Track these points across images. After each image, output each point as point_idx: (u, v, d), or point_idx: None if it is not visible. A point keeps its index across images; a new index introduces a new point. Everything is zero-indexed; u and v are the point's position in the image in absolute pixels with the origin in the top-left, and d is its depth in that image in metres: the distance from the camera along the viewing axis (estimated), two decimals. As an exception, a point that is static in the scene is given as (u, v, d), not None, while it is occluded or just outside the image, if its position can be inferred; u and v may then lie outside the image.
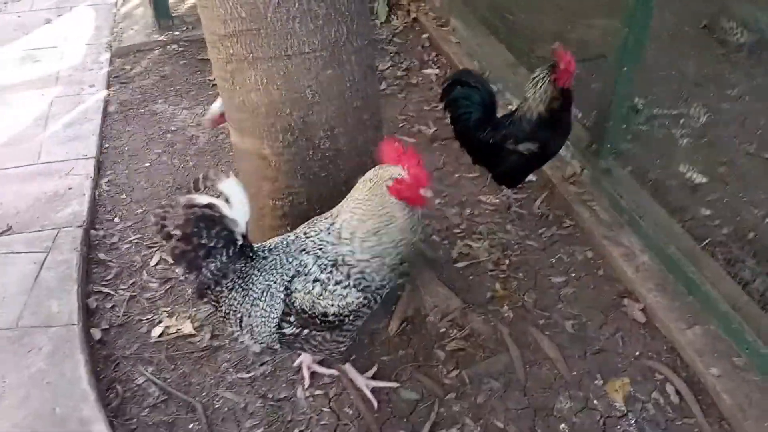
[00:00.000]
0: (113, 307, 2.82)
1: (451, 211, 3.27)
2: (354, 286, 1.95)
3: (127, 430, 2.35)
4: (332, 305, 1.97)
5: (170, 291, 2.89)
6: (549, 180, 3.36)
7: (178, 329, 2.71)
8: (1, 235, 3.04)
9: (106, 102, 4.15)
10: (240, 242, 1.98)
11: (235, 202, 1.97)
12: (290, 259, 2.03)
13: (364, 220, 1.92)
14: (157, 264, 3.02)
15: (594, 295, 2.84)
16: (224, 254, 1.97)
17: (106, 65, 4.54)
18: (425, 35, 4.79)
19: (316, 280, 1.96)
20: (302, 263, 2.00)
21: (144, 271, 2.99)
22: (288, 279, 2.00)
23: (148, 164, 3.66)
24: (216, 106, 3.03)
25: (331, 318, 1.99)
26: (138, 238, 3.17)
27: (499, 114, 3.12)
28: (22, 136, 3.78)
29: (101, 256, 3.06)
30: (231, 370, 2.56)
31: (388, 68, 4.49)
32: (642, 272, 2.81)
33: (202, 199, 1.96)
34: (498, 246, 3.07)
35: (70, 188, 3.36)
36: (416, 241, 2.05)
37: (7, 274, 2.80)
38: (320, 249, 1.99)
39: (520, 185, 3.33)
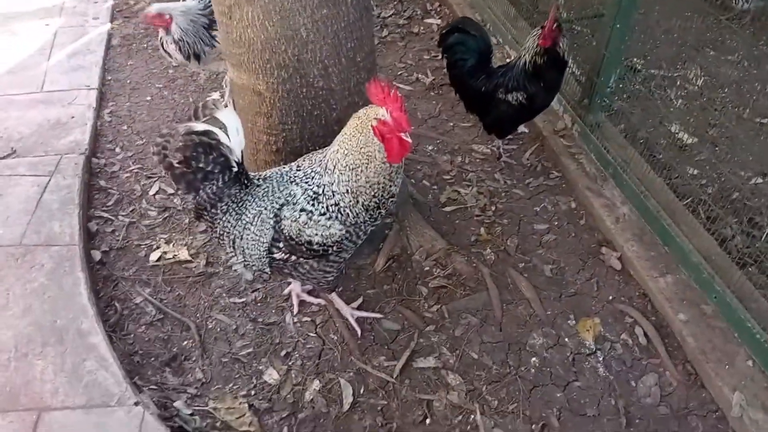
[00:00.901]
0: (113, 231, 2.94)
1: (442, 158, 3.36)
2: (336, 218, 2.06)
3: (124, 344, 2.50)
4: (316, 234, 2.08)
5: (168, 219, 3.01)
6: (540, 132, 3.45)
7: (175, 255, 2.84)
8: (6, 157, 3.14)
9: (110, 35, 4.19)
10: (235, 169, 2.09)
11: (231, 130, 2.07)
12: (281, 188, 2.13)
13: (346, 154, 2.01)
14: (156, 193, 3.13)
15: (574, 242, 2.96)
16: (220, 179, 2.08)
17: (111, -5, 4.56)
18: (429, -16, 4.79)
19: (302, 210, 2.07)
20: (292, 193, 2.10)
21: (143, 200, 3.10)
22: (278, 207, 2.11)
23: (149, 98, 3.73)
24: (158, 5, 3.02)
25: (315, 247, 2.11)
26: (138, 168, 3.27)
27: (495, 65, 3.19)
28: (27, 65, 3.84)
29: (102, 183, 3.17)
30: (224, 295, 2.70)
31: (390, 16, 4.51)
32: (621, 223, 2.93)
33: (200, 126, 2.05)
34: (485, 193, 3.18)
35: (72, 117, 3.44)
36: (393, 190, 2.12)
37: (11, 195, 2.91)
38: (308, 180, 2.10)
39: (510, 136, 3.42)
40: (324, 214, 2.06)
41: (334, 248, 2.14)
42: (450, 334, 2.58)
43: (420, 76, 3.95)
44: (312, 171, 2.11)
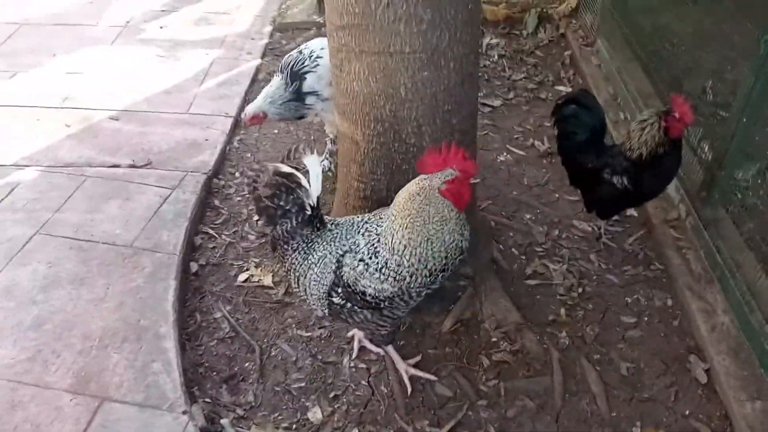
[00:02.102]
0: (214, 247, 3.20)
1: (538, 229, 3.29)
2: (388, 278, 2.11)
3: (194, 353, 2.70)
4: (369, 287, 2.14)
5: (263, 245, 3.21)
6: (649, 218, 3.26)
7: (260, 279, 3.02)
8: (143, 167, 3.55)
9: (257, 70, 4.59)
10: (308, 212, 2.22)
11: (312, 176, 2.21)
12: (348, 237, 2.22)
13: (419, 231, 2.06)
14: (258, 220, 3.36)
15: (661, 343, 2.75)
16: (295, 218, 2.23)
17: (266, 37, 5.00)
18: (568, 52, 4.74)
19: (361, 260, 2.14)
20: (356, 242, 2.19)
21: (246, 223, 3.35)
22: (341, 253, 2.20)
23: (276, 131, 4.02)
24: (251, 108, 3.24)
25: (368, 298, 2.16)
26: (250, 194, 3.54)
27: (608, 142, 3.08)
28: (181, 87, 4.32)
29: (216, 202, 3.47)
30: (294, 325, 2.83)
31: (520, 79, 4.52)
32: (717, 333, 2.68)
33: (286, 168, 2.22)
34: (575, 273, 3.05)
35: (206, 139, 3.81)
36: (463, 245, 2.14)
37: (137, 201, 3.28)
38: (372, 238, 2.17)
39: (617, 217, 3.27)
40: (379, 270, 2.11)
41: (386, 303, 2.18)
42: (501, 413, 2.49)
43: (536, 142, 3.90)
44: (376, 228, 2.18)
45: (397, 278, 2.10)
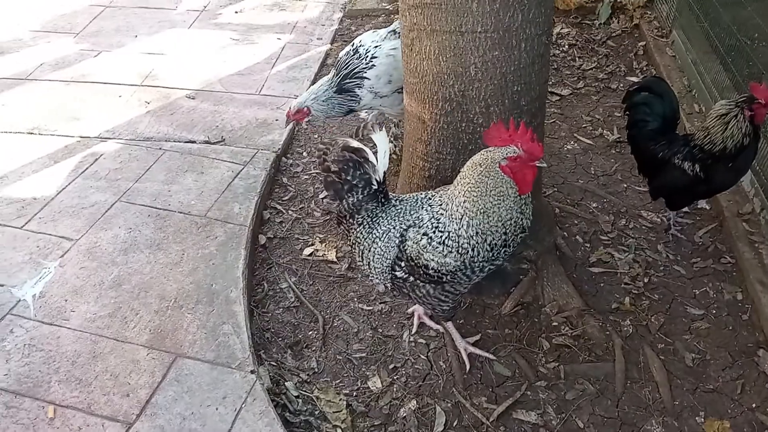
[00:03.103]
0: (281, 222, 3.31)
1: (604, 218, 3.24)
2: (451, 251, 2.14)
3: (261, 320, 2.81)
4: (432, 260, 2.17)
5: (328, 222, 3.30)
6: (721, 211, 3.16)
7: (324, 254, 3.11)
8: (216, 143, 3.70)
9: (326, 55, 4.68)
10: (375, 186, 2.27)
11: (380, 152, 2.26)
12: (412, 212, 2.27)
13: (475, 201, 2.08)
14: (324, 197, 3.45)
15: (728, 336, 2.68)
16: (361, 192, 2.28)
17: (336, 23, 5.10)
18: (642, 43, 4.63)
19: (425, 234, 2.18)
20: (420, 217, 2.23)
21: (312, 201, 3.44)
22: (405, 228, 2.25)
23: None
24: (295, 103, 3.23)
25: (431, 272, 2.20)
26: (316, 173, 3.63)
27: (680, 132, 3.01)
28: (253, 70, 4.46)
29: (284, 180, 3.58)
30: (355, 299, 2.90)
31: (591, 68, 4.44)
32: (790, 328, 2.59)
33: (355, 143, 2.28)
34: (642, 263, 3.00)
35: (276, 119, 3.93)
36: (524, 224, 2.15)
37: (210, 175, 3.42)
38: (435, 211, 2.20)
39: (687, 209, 3.20)
40: (442, 243, 2.15)
41: (449, 277, 2.21)
42: (560, 395, 2.49)
43: (605, 132, 3.84)
44: (440, 202, 2.22)
45: (459, 251, 2.13)
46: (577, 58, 4.57)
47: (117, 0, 5.40)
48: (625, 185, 3.47)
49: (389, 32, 3.31)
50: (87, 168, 3.48)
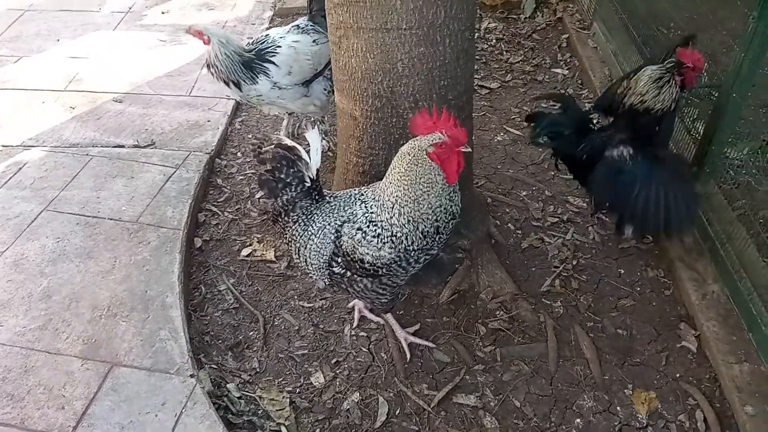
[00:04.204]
0: (217, 224, 3.28)
1: (534, 205, 3.36)
2: (385, 243, 2.19)
3: (200, 323, 2.78)
4: (368, 254, 2.21)
5: (265, 222, 3.28)
6: (642, 194, 3.33)
7: (263, 254, 3.10)
8: (146, 147, 3.63)
9: (258, 53, 4.65)
10: (308, 184, 2.29)
11: (312, 150, 2.28)
12: (346, 208, 2.30)
13: (406, 189, 2.14)
14: (261, 197, 3.44)
15: (652, 312, 2.83)
16: (295, 190, 2.30)
17: (267, 22, 5.07)
18: (565, 36, 4.80)
19: (359, 229, 2.22)
20: (354, 213, 2.26)
21: (249, 201, 3.43)
22: (340, 224, 2.28)
23: (276, 113, 4.09)
24: (208, 27, 3.21)
25: (367, 266, 2.24)
26: (252, 173, 3.61)
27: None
28: (183, 71, 4.39)
29: (219, 181, 3.55)
30: (296, 297, 2.91)
31: (518, 62, 4.58)
32: (707, 300, 2.76)
33: (288, 141, 2.30)
34: (570, 246, 3.13)
35: (208, 121, 3.89)
36: (454, 210, 2.22)
37: (141, 179, 3.36)
38: (368, 205, 2.24)
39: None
40: (377, 236, 2.19)
41: (384, 270, 2.25)
42: (497, 377, 2.58)
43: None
44: (372, 197, 2.26)
45: (393, 241, 2.18)
46: (504, 52, 4.70)
47: (37, 3, 5.21)
48: (553, 173, 3.59)
49: (292, 26, 3.41)
50: (10, 178, 3.35)
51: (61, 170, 3.41)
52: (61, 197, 3.22)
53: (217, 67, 3.20)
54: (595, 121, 3.11)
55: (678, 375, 2.57)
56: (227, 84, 3.26)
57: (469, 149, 2.14)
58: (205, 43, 3.20)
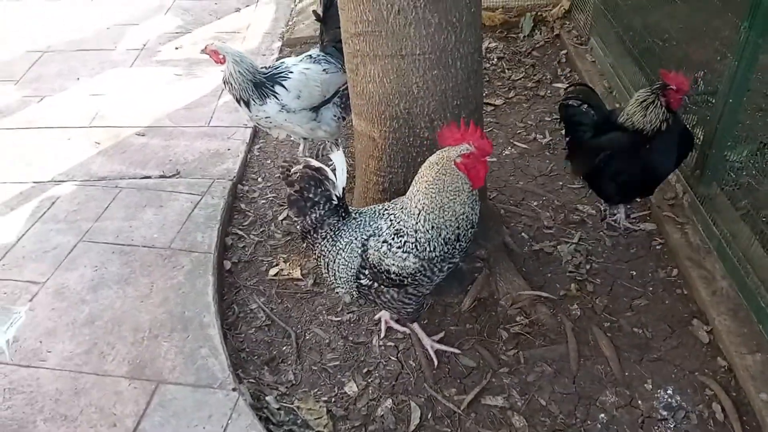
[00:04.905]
0: (244, 247, 3.44)
1: (545, 214, 3.51)
2: (410, 252, 2.33)
3: (236, 341, 2.92)
4: (393, 264, 2.36)
5: (289, 242, 3.44)
6: (648, 199, 3.48)
7: (290, 273, 3.25)
8: (172, 177, 3.80)
9: (270, 83, 4.84)
10: (335, 202, 2.45)
11: (338, 170, 2.44)
12: (372, 223, 2.45)
13: (433, 198, 2.28)
14: (284, 219, 3.60)
15: (666, 310, 2.96)
16: (323, 208, 2.46)
17: (276, 52, 5.28)
18: (563, 51, 4.99)
19: (384, 242, 2.37)
20: (379, 227, 2.42)
21: (273, 224, 3.58)
22: (366, 238, 2.43)
23: (293, 139, 4.27)
24: (224, 47, 3.38)
25: (393, 276, 2.38)
26: (273, 197, 3.78)
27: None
28: (200, 103, 4.58)
29: (242, 206, 3.71)
30: (324, 312, 3.05)
31: (520, 78, 4.76)
32: (717, 296, 2.89)
33: (315, 163, 2.46)
34: (583, 251, 3.27)
35: (228, 149, 4.06)
36: (473, 219, 2.36)
37: (169, 208, 3.52)
38: (393, 218, 2.39)
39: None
40: (401, 247, 2.34)
41: (409, 280, 2.40)
42: (522, 378, 2.71)
43: (538, 135, 4.14)
44: (396, 211, 2.41)
45: (417, 248, 2.32)
46: (506, 70, 4.89)
47: (54, 45, 5.43)
48: (561, 183, 3.75)
49: (305, 56, 3.64)
50: (45, 212, 3.52)
51: (93, 203, 3.57)
52: (95, 228, 3.38)
53: (231, 84, 3.39)
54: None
55: (694, 368, 2.70)
56: (238, 102, 3.46)
57: (494, 159, 2.29)
58: (220, 62, 3.39)
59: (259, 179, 3.94)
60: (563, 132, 3.41)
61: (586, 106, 3.23)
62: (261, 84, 3.41)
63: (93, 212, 3.50)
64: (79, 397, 2.55)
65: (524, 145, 4.07)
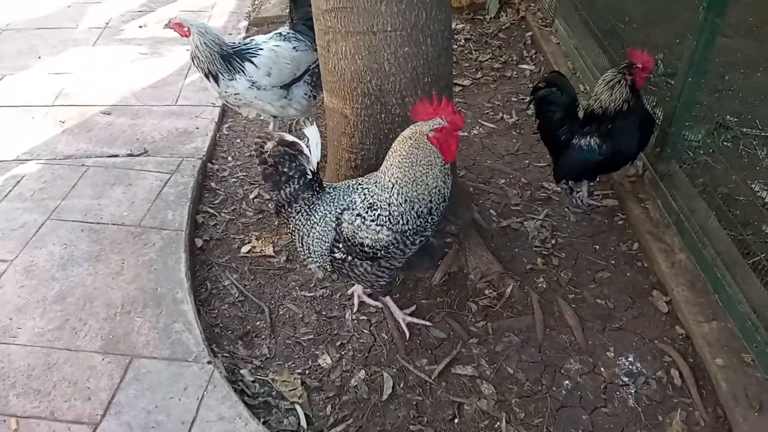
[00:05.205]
0: (215, 225, 3.44)
1: (512, 191, 3.60)
2: (384, 225, 2.38)
3: (209, 317, 2.94)
4: (367, 237, 2.41)
5: (261, 220, 3.46)
6: (611, 176, 3.59)
7: (262, 250, 3.27)
8: (140, 155, 3.76)
9: (238, 62, 4.81)
10: (309, 176, 2.48)
11: (312, 144, 2.47)
12: (345, 197, 2.49)
13: (406, 171, 2.33)
14: (255, 197, 3.61)
15: (627, 282, 3.08)
16: (297, 182, 2.48)
17: (243, 31, 5.24)
18: (529, 33, 5.08)
19: (358, 215, 2.41)
20: (353, 200, 2.46)
21: (244, 202, 3.59)
22: (340, 211, 2.47)
23: (262, 118, 4.26)
24: (187, 19, 3.35)
25: (366, 249, 2.43)
26: (244, 175, 3.78)
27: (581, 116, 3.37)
28: (167, 82, 4.53)
29: (213, 184, 3.71)
30: (297, 288, 3.09)
31: (487, 59, 4.84)
32: (676, 268, 3.02)
33: (289, 137, 2.48)
34: (548, 227, 3.37)
35: (197, 128, 4.04)
36: (445, 192, 2.42)
37: (138, 186, 3.49)
38: (367, 192, 2.44)
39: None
40: (374, 220, 2.39)
41: (383, 252, 2.45)
42: (491, 348, 2.80)
43: (505, 115, 4.22)
44: (370, 185, 2.46)
45: (391, 221, 2.37)
46: (473, 51, 4.95)
47: (13, 23, 5.29)
48: (527, 161, 3.85)
49: (275, 33, 3.63)
50: (10, 191, 3.45)
51: (60, 181, 3.52)
52: (62, 206, 3.34)
53: (198, 58, 3.36)
54: (578, 107, 3.37)
55: (654, 336, 2.82)
56: (207, 77, 3.41)
57: (465, 133, 2.35)
58: (185, 35, 3.35)
59: (229, 158, 3.94)
60: (534, 115, 3.49)
61: (555, 89, 3.33)
62: (228, 57, 3.39)
63: (60, 190, 3.46)
64: (51, 372, 2.54)
65: (492, 125, 4.15)
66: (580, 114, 3.34)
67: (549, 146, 3.46)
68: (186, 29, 3.34)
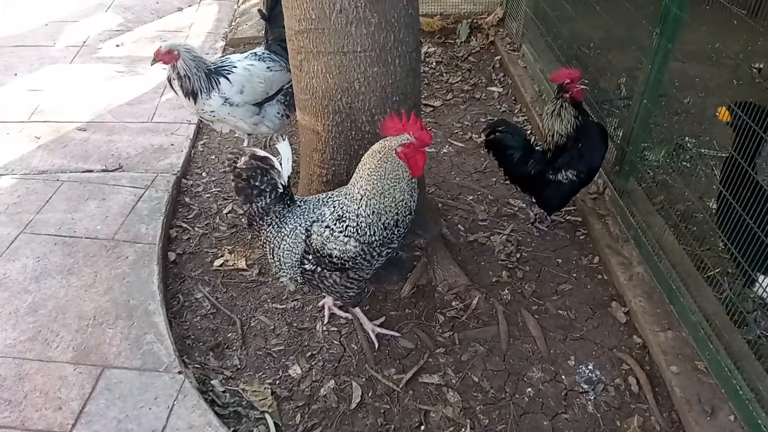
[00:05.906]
0: (188, 239, 3.50)
1: (480, 207, 3.72)
2: (351, 236, 2.47)
3: (181, 328, 2.99)
4: (335, 248, 2.49)
5: (234, 234, 3.52)
6: (574, 193, 3.74)
7: (234, 264, 3.33)
8: (114, 171, 3.81)
9: (214, 81, 4.90)
10: (280, 190, 2.56)
11: (284, 159, 2.56)
12: (315, 210, 2.58)
13: (375, 184, 2.43)
14: (228, 212, 3.68)
15: (587, 294, 3.21)
16: (269, 196, 2.56)
17: (220, 51, 5.33)
18: (498, 57, 5.25)
19: (327, 227, 2.50)
20: (322, 213, 2.55)
21: (217, 216, 3.66)
22: (309, 224, 2.55)
23: (237, 135, 4.35)
24: (169, 44, 3.41)
25: (335, 260, 2.52)
26: (218, 191, 3.85)
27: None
28: (143, 99, 4.59)
29: (187, 199, 3.77)
30: (269, 300, 3.15)
31: (457, 82, 4.99)
32: (634, 280, 3.15)
33: (261, 152, 2.57)
34: (514, 242, 3.49)
35: (172, 144, 4.10)
36: (411, 206, 2.52)
37: (113, 200, 3.54)
38: (336, 204, 2.53)
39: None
40: (342, 231, 2.48)
41: (350, 263, 2.54)
42: (457, 358, 2.88)
43: (474, 135, 4.36)
44: (339, 198, 2.55)
45: (358, 232, 2.46)
46: (444, 73, 5.11)
47: (-11, 39, 5.32)
48: (494, 179, 3.98)
49: (251, 53, 3.73)
50: (-18, 205, 3.48)
51: (34, 195, 3.55)
52: (36, 220, 3.37)
53: (189, 78, 3.40)
54: (533, 141, 3.50)
55: (612, 345, 2.94)
56: (187, 96, 3.46)
57: (433, 149, 2.45)
58: (176, 59, 3.39)
59: (204, 174, 4.01)
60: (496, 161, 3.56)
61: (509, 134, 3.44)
62: (210, 74, 3.48)
63: (34, 205, 3.49)
64: (23, 382, 2.56)
65: (461, 144, 4.29)
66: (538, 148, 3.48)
67: (521, 184, 3.52)
68: (176, 53, 3.38)
